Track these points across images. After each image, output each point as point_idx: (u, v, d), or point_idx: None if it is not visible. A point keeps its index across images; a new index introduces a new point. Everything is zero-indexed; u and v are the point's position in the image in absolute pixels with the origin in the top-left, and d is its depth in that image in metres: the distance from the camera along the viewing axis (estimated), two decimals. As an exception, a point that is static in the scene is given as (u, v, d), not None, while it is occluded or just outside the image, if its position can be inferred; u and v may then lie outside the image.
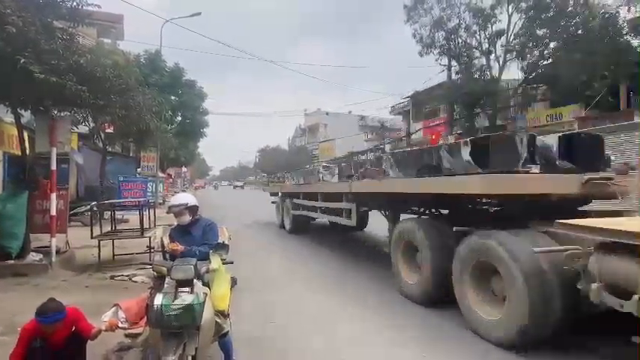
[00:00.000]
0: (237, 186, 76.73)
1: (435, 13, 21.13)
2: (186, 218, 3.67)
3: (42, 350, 2.92)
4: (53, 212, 6.86)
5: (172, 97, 18.80)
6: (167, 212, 3.87)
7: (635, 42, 15.28)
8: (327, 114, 54.30)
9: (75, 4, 6.21)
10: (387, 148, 34.24)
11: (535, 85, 20.34)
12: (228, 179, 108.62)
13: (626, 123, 10.65)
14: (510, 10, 19.56)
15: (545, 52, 18.79)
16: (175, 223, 3.82)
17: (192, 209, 3.70)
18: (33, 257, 6.63)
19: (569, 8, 17.21)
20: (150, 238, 7.50)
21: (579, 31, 16.73)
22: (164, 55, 20.58)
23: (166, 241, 3.75)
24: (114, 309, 3.44)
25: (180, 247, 3.42)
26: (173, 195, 19.20)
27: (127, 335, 3.66)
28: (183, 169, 48.40)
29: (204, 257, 3.32)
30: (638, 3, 13.81)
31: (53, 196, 6.86)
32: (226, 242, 3.96)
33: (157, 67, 18.88)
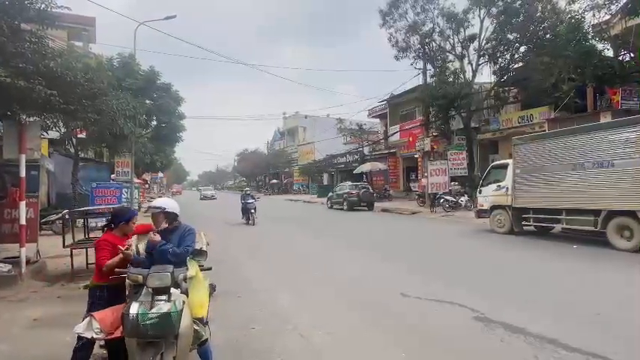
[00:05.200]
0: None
1: (409, 17, 21.56)
2: (161, 224, 3.59)
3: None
4: (23, 221, 6.64)
5: (147, 101, 18.39)
6: (145, 211, 3.82)
7: (600, 46, 15.94)
8: (305, 117, 54.22)
9: (43, 6, 6.03)
10: (366, 150, 34.57)
11: (507, 88, 20.96)
12: (206, 184, 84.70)
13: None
14: (482, 15, 20.13)
15: (516, 55, 19.45)
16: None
17: (169, 215, 3.60)
18: (1, 268, 6.42)
19: (538, 13, 17.89)
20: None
21: (547, 36, 17.41)
22: (139, 58, 20.17)
23: (142, 247, 3.68)
24: (88, 319, 3.34)
25: (157, 237, 3.36)
26: (150, 200, 18.76)
27: (102, 346, 3.58)
28: (160, 174, 47.51)
29: (182, 262, 3.26)
30: (602, 9, 14.41)
31: (22, 204, 6.64)
32: (204, 248, 3.91)
33: (131, 70, 18.46)
